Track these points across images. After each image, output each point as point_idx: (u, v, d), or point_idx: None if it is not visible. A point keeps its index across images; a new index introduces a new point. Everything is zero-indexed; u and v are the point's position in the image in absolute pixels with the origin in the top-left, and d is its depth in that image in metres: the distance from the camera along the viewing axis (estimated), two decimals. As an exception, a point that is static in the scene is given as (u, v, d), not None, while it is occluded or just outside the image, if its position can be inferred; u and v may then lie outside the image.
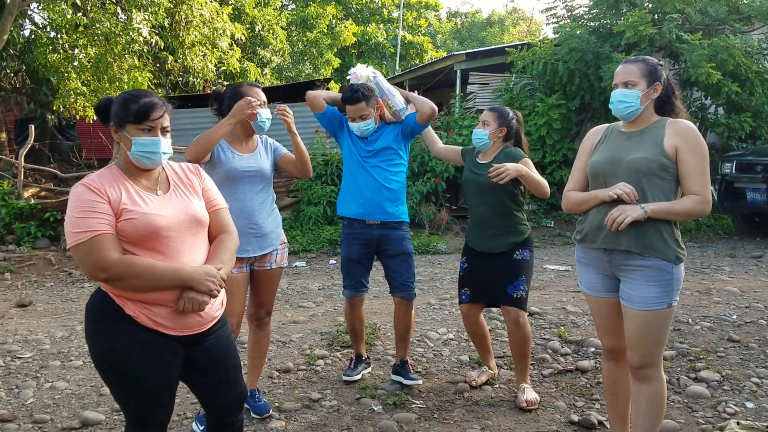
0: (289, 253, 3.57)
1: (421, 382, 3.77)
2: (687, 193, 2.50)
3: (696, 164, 2.47)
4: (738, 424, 3.08)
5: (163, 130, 2.10)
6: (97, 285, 2.09)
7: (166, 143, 2.10)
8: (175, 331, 2.07)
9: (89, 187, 1.97)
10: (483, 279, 3.58)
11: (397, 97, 3.73)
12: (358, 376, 3.85)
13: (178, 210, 2.11)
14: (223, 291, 2.18)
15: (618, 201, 2.49)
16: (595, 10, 10.93)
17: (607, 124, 2.83)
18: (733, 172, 9.22)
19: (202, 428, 3.14)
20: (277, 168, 3.42)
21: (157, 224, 2.01)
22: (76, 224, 1.93)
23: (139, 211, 2.00)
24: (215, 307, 2.18)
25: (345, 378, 3.83)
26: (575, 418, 3.34)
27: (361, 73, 3.75)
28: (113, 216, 1.97)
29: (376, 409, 3.50)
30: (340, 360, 4.30)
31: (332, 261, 8.38)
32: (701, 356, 4.22)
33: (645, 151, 2.53)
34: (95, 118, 11.13)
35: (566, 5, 11.25)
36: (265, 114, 3.16)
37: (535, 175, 3.36)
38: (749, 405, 3.47)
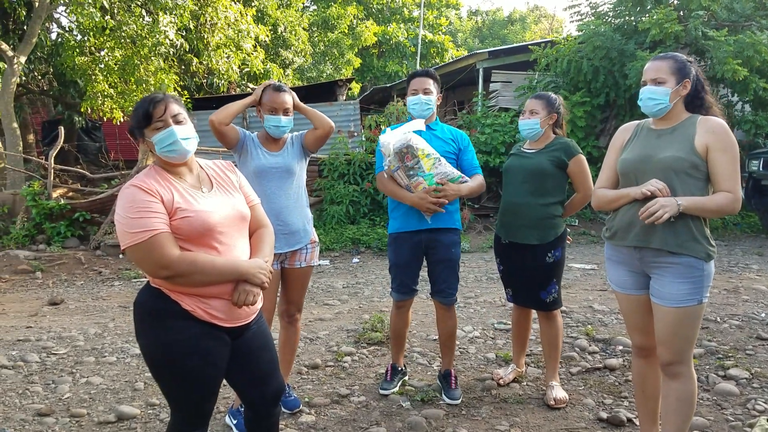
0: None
1: (460, 401, 3.57)
2: (718, 191, 2.49)
3: (727, 162, 2.46)
4: (769, 421, 3.07)
5: (175, 119, 2.12)
6: (128, 284, 2.14)
7: (182, 130, 2.12)
8: (228, 323, 2.13)
9: (141, 187, 2.02)
10: (518, 281, 3.58)
11: (443, 165, 3.33)
12: (396, 389, 3.73)
13: (227, 206, 2.17)
14: None
15: (650, 198, 2.48)
16: (619, 8, 10.83)
17: (638, 121, 2.81)
18: (761, 169, 9.08)
19: (235, 422, 3.20)
20: (309, 149, 3.43)
21: (212, 221, 2.08)
22: (133, 225, 1.96)
23: (193, 210, 2.06)
24: (258, 300, 2.24)
25: (382, 392, 3.68)
26: (604, 415, 3.34)
27: (390, 143, 3.30)
28: (167, 215, 2.02)
29: (404, 405, 3.54)
30: (366, 357, 4.35)
31: (355, 260, 8.43)
32: (730, 354, 4.19)
33: (676, 149, 2.52)
34: (122, 119, 11.32)
35: (590, 2, 11.17)
36: (272, 121, 3.23)
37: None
38: (780, 403, 3.45)
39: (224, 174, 2.32)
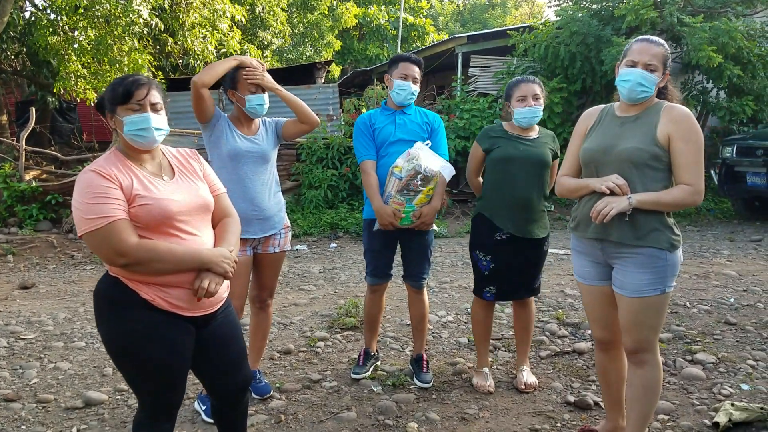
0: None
1: (431, 384, 3.60)
2: (678, 183, 2.44)
3: (689, 153, 2.40)
4: (732, 405, 3.13)
5: (153, 107, 2.09)
6: (100, 268, 2.11)
7: (157, 119, 2.10)
8: (189, 312, 2.10)
9: (100, 172, 1.97)
10: (512, 277, 3.42)
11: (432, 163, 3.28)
12: (368, 373, 3.74)
13: (189, 195, 2.14)
14: None
15: (610, 194, 2.45)
16: (597, -7, 10.86)
17: (602, 106, 2.74)
18: (734, 156, 9.20)
19: (204, 408, 3.19)
20: (287, 139, 3.43)
21: (171, 209, 2.04)
22: (89, 210, 1.92)
23: (152, 197, 2.02)
24: (223, 288, 2.21)
25: (354, 376, 3.69)
26: (571, 399, 3.38)
27: (422, 158, 3.22)
28: (126, 201, 1.98)
29: (375, 389, 3.55)
30: (340, 342, 4.35)
31: (333, 245, 8.42)
32: (698, 339, 4.26)
33: (637, 140, 2.47)
34: (96, 100, 11.15)
35: (568, -13, 11.18)
36: (255, 101, 3.18)
37: None
38: (744, 387, 3.51)
39: (187, 162, 2.28)
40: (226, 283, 2.22)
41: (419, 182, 3.23)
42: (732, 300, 5.18)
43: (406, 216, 3.34)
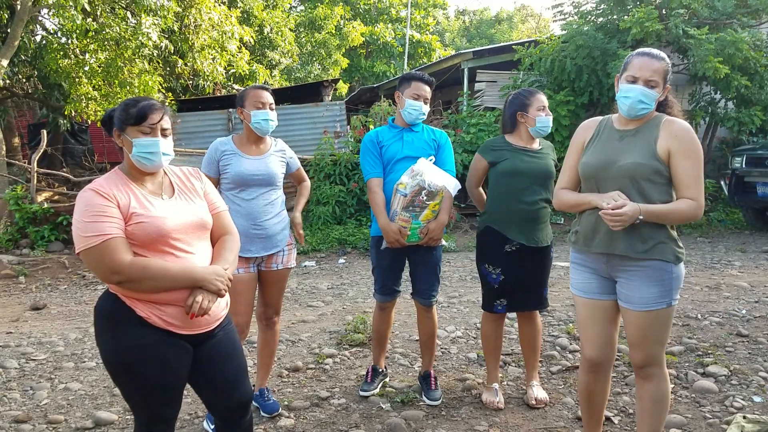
0: (298, 253, 3.59)
1: (440, 401, 3.57)
2: (680, 197, 2.42)
3: (690, 168, 2.39)
4: (744, 417, 3.09)
5: (163, 132, 2.15)
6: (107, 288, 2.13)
7: (165, 144, 2.15)
8: (184, 330, 2.12)
9: (98, 191, 2.02)
10: (522, 287, 3.41)
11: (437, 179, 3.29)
12: (376, 390, 3.72)
13: (185, 213, 2.17)
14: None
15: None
16: (602, 7, 10.88)
17: (600, 118, 2.72)
18: (744, 166, 9.15)
19: (212, 427, 3.19)
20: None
21: (167, 227, 2.07)
22: (86, 228, 1.96)
23: (148, 215, 2.05)
24: (221, 307, 2.22)
25: (362, 393, 3.67)
26: (582, 414, 3.35)
27: (426, 173, 3.25)
28: (122, 220, 2.01)
29: (384, 407, 3.54)
30: (348, 359, 4.34)
31: (341, 260, 8.42)
32: (709, 351, 4.22)
33: (637, 155, 2.44)
34: (99, 122, 11.33)
35: (573, 2, 11.22)
36: (260, 116, 3.22)
37: None
38: (757, 399, 3.47)
39: (188, 180, 2.31)
40: (225, 301, 2.24)
41: (424, 198, 3.24)
42: (744, 311, 5.13)
43: (413, 233, 3.35)
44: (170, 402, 2.17)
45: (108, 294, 2.11)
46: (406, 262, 3.63)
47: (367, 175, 3.53)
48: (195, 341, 2.17)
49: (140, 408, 2.17)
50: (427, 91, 3.50)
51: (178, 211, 2.15)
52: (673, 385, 3.68)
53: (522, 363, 4.01)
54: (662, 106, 2.58)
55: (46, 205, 9.09)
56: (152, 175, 2.20)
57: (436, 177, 3.24)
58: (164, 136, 2.15)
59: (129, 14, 10.66)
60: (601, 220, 2.43)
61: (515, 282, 3.40)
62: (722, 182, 9.88)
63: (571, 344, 4.45)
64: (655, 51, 2.51)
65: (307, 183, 3.72)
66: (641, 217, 2.35)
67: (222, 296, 2.15)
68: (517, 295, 3.44)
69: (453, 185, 3.31)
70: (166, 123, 2.16)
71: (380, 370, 3.83)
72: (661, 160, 2.42)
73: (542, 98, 3.39)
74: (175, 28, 11.00)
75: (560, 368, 4.04)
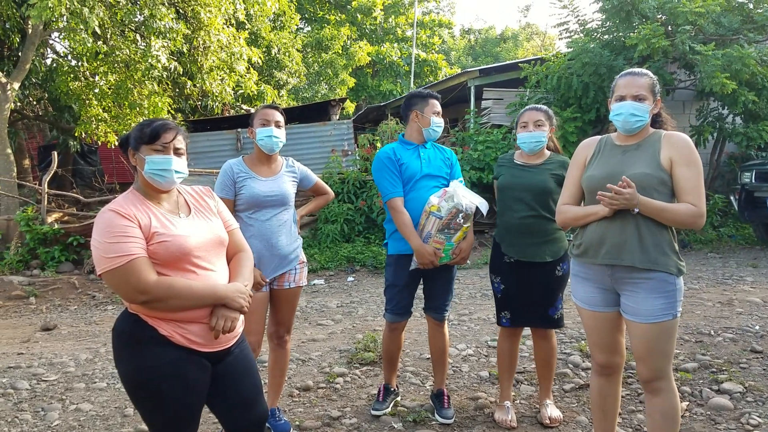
0: (307, 272, 3.58)
1: (453, 420, 3.53)
2: (680, 203, 2.49)
3: (691, 177, 2.47)
4: (762, 436, 3.05)
5: (177, 151, 2.17)
6: (121, 308, 2.14)
7: (178, 162, 2.17)
8: (207, 347, 2.13)
9: (119, 212, 2.03)
10: (523, 301, 3.41)
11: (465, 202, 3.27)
12: (388, 409, 3.69)
13: (204, 231, 2.19)
14: None
15: (619, 212, 2.50)
16: (607, 24, 10.93)
17: (599, 137, 2.81)
18: (753, 181, 9.13)
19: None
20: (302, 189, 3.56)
21: (189, 245, 2.08)
22: (109, 249, 1.96)
23: (170, 234, 2.07)
24: (238, 324, 2.23)
25: (374, 413, 3.63)
26: (596, 432, 3.31)
27: (461, 196, 3.24)
28: (144, 239, 2.02)
29: (396, 426, 3.51)
30: (359, 377, 4.32)
31: (350, 278, 8.41)
32: (724, 368, 4.17)
33: (643, 165, 2.53)
34: (116, 143, 11.41)
35: (578, 20, 11.28)
36: (264, 132, 3.25)
37: None
38: (774, 417, 3.43)
39: (202, 199, 2.34)
40: (242, 318, 2.24)
41: (461, 220, 3.25)
42: (757, 327, 5.07)
43: (446, 254, 3.35)
44: (190, 422, 2.17)
45: (127, 314, 2.11)
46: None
47: (387, 194, 3.42)
48: (214, 358, 2.18)
49: (160, 428, 2.16)
50: (440, 107, 3.56)
51: (198, 230, 2.17)
52: (687, 403, 3.64)
53: (534, 381, 3.98)
54: (657, 123, 2.68)
55: (56, 226, 9.15)
56: (167, 194, 2.22)
57: (471, 198, 3.26)
58: (177, 155, 2.17)
59: (139, 37, 10.79)
60: (608, 231, 2.53)
61: (515, 294, 3.43)
62: (732, 197, 9.84)
63: (583, 362, 4.41)
64: (637, 69, 2.66)
65: (330, 195, 3.74)
66: (637, 210, 2.44)
67: (244, 313, 2.17)
68: (519, 309, 3.44)
69: (485, 206, 3.33)
70: (180, 143, 2.19)
71: (392, 389, 3.81)
72: (665, 170, 2.51)
73: (528, 115, 3.39)
74: (184, 50, 11.12)
75: (573, 386, 4.01)
